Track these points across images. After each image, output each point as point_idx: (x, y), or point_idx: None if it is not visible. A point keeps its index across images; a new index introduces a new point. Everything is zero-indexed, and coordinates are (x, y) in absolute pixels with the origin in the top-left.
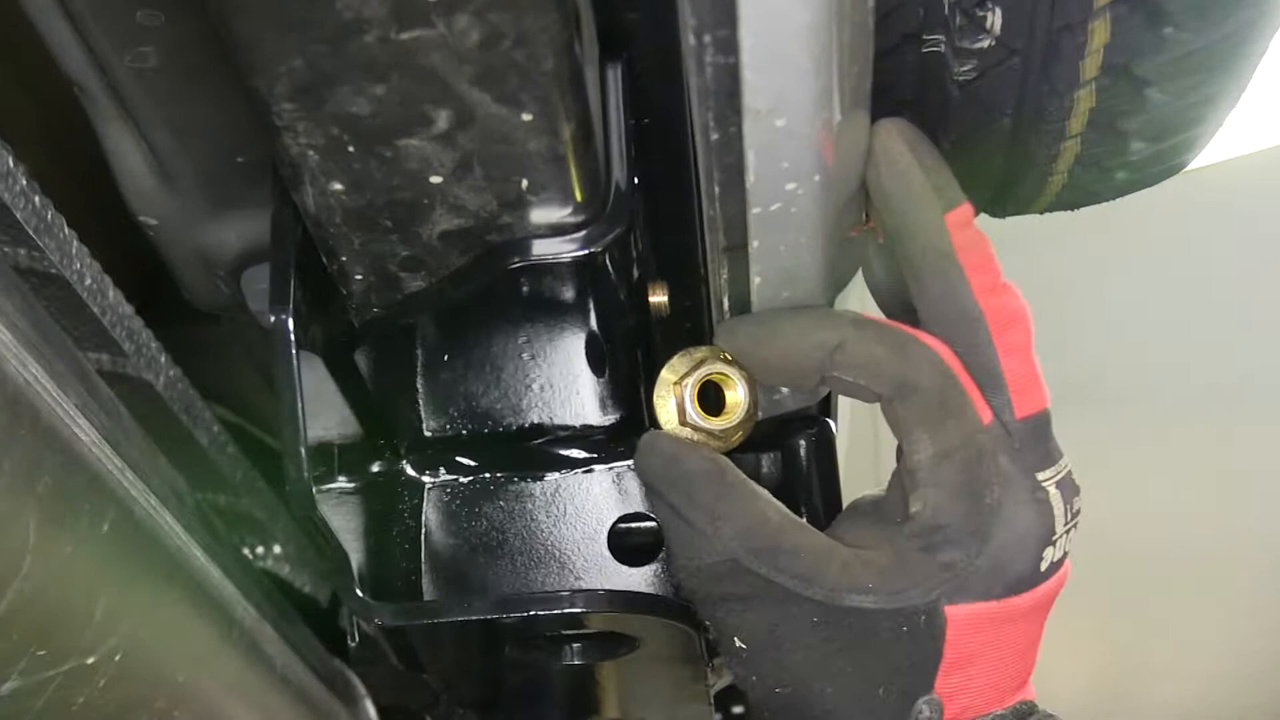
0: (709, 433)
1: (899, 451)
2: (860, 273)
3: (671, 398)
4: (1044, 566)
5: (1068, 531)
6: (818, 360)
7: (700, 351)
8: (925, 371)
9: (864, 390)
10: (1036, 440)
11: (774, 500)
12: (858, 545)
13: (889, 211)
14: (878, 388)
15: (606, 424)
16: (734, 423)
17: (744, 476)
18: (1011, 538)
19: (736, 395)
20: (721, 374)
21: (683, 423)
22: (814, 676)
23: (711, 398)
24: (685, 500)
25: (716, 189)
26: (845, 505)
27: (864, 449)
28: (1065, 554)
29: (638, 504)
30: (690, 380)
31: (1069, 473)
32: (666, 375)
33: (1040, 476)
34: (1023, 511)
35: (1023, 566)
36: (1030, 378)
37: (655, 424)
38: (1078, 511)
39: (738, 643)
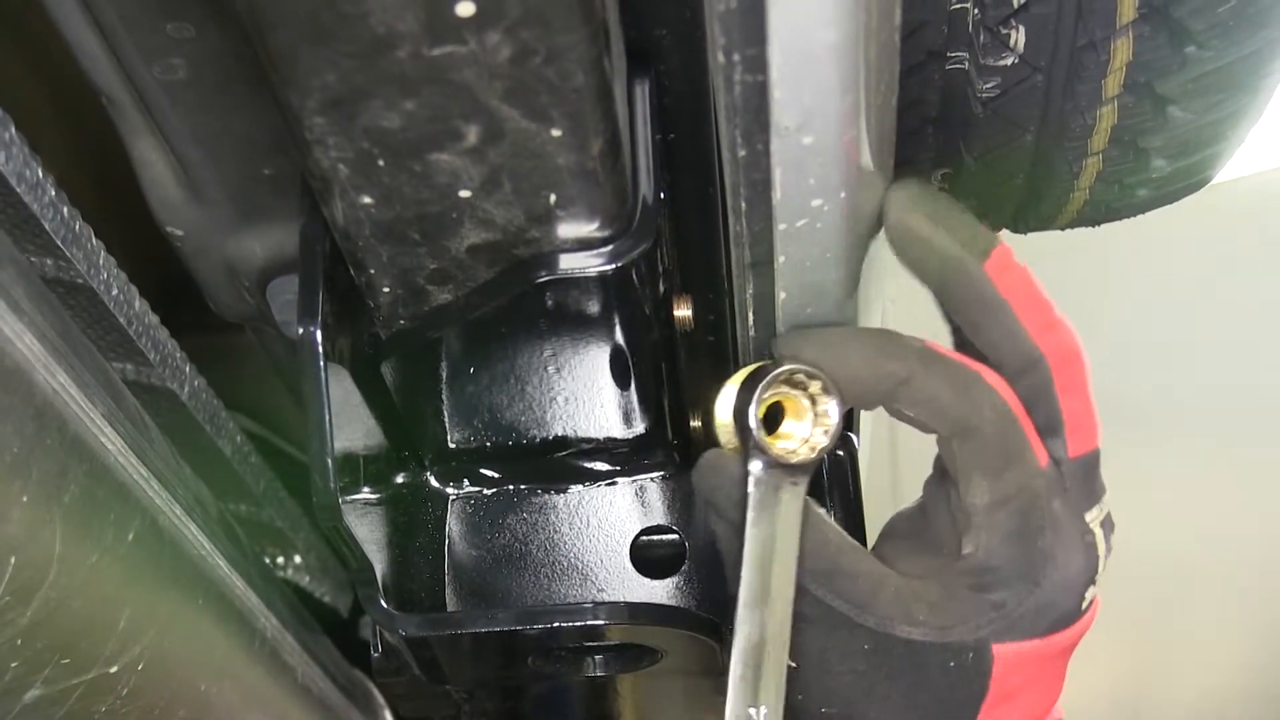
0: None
1: (935, 478)
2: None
3: (735, 417)
4: (1084, 605)
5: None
6: (882, 392)
7: (767, 367)
8: (988, 416)
9: (924, 426)
10: (1086, 478)
11: (831, 521)
12: (907, 573)
13: (926, 278)
14: (939, 427)
15: (630, 437)
16: (797, 446)
17: (807, 498)
18: (1060, 580)
19: (802, 417)
20: (790, 396)
21: (747, 444)
22: (861, 700)
23: (776, 417)
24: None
25: (743, 205)
26: (883, 523)
27: (882, 464)
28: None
29: (660, 517)
30: (755, 400)
31: (1109, 511)
32: (731, 392)
33: (1088, 517)
34: (1073, 555)
35: (1067, 606)
36: (1087, 416)
37: (715, 440)
38: (1111, 547)
39: (789, 662)
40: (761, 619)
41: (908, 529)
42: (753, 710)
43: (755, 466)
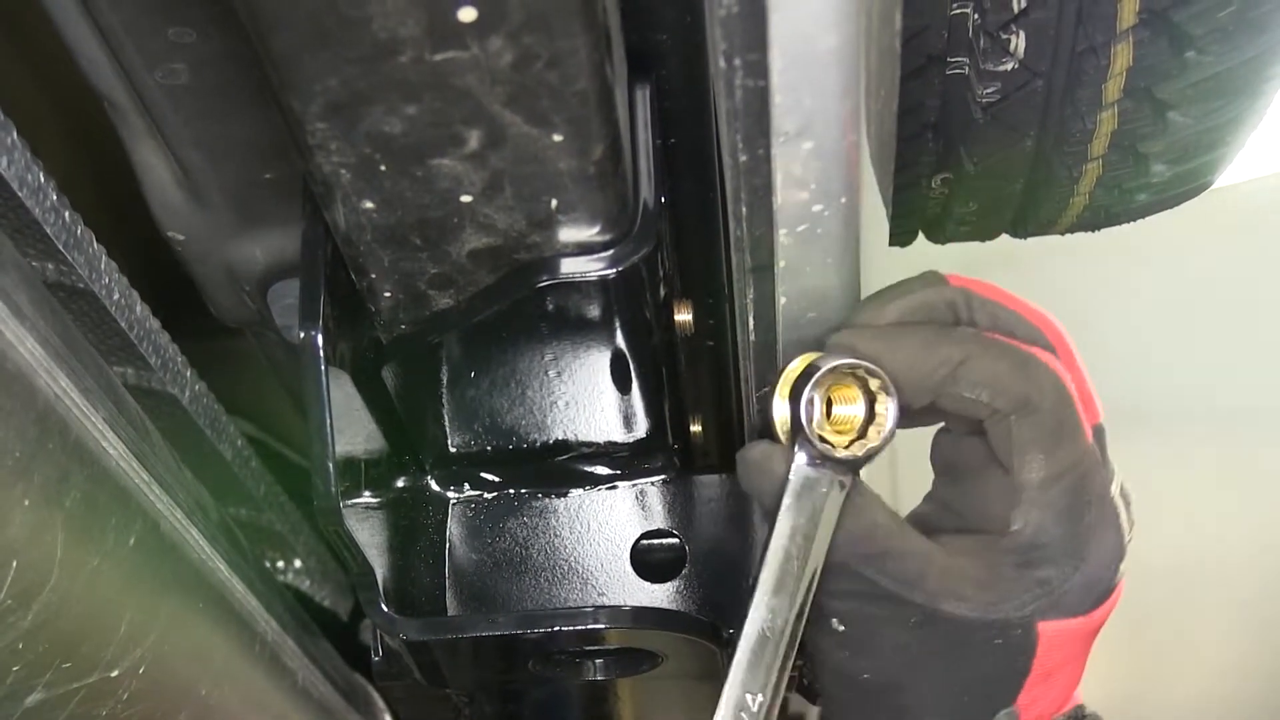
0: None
1: (963, 466)
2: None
3: (789, 410)
4: (1117, 579)
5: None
6: (940, 377)
7: (818, 360)
8: (1047, 392)
9: (981, 407)
10: (1103, 451)
11: (881, 501)
12: (951, 553)
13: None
14: (999, 404)
15: (630, 441)
16: (847, 442)
17: (858, 480)
18: (1100, 556)
19: (856, 411)
20: (848, 392)
21: (796, 432)
22: (903, 672)
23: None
24: None
25: (744, 210)
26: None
27: (882, 464)
28: None
29: (660, 521)
30: (811, 389)
31: (1123, 482)
32: (789, 380)
33: (1112, 490)
34: (1109, 531)
35: (1106, 582)
36: (1088, 388)
37: (768, 434)
38: (1133, 520)
39: (835, 623)
40: (776, 608)
41: (942, 512)
42: (749, 696)
43: (799, 456)
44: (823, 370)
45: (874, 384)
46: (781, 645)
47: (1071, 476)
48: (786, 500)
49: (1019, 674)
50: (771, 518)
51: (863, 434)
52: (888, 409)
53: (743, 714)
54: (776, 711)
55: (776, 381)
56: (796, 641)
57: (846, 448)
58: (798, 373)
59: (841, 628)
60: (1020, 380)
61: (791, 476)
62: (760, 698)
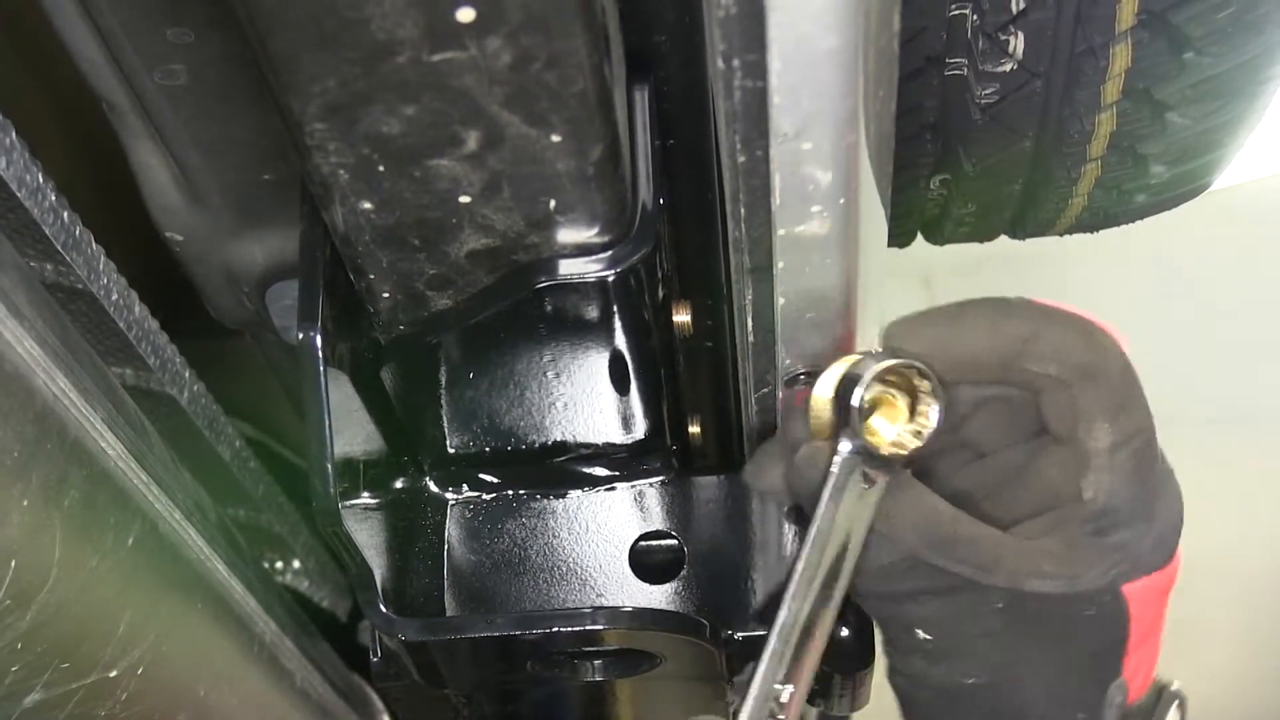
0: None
1: (1024, 442)
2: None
3: (836, 395)
4: (1181, 531)
5: None
6: (1009, 353)
7: (884, 355)
8: (1113, 360)
9: (1046, 380)
10: None
11: (930, 490)
12: (1018, 534)
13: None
14: (1067, 374)
15: (629, 442)
16: (891, 439)
17: (909, 474)
18: (1168, 512)
19: (900, 414)
20: (896, 390)
21: (842, 424)
22: (1005, 665)
23: (875, 408)
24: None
25: (743, 210)
26: None
27: None
28: None
29: (659, 522)
30: (864, 385)
31: None
32: (838, 371)
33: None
34: (1171, 485)
35: (1174, 537)
36: None
37: (794, 425)
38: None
39: (921, 635)
40: (811, 599)
41: (993, 497)
42: (779, 687)
43: (844, 447)
44: (881, 367)
45: (924, 386)
46: (814, 637)
47: (1137, 440)
48: (826, 495)
49: (1119, 642)
50: (811, 511)
51: (902, 434)
52: (929, 412)
53: (771, 704)
54: (802, 705)
55: (828, 369)
56: (826, 637)
57: (890, 447)
58: (853, 361)
59: (929, 636)
60: (1087, 349)
61: (834, 471)
62: (791, 689)
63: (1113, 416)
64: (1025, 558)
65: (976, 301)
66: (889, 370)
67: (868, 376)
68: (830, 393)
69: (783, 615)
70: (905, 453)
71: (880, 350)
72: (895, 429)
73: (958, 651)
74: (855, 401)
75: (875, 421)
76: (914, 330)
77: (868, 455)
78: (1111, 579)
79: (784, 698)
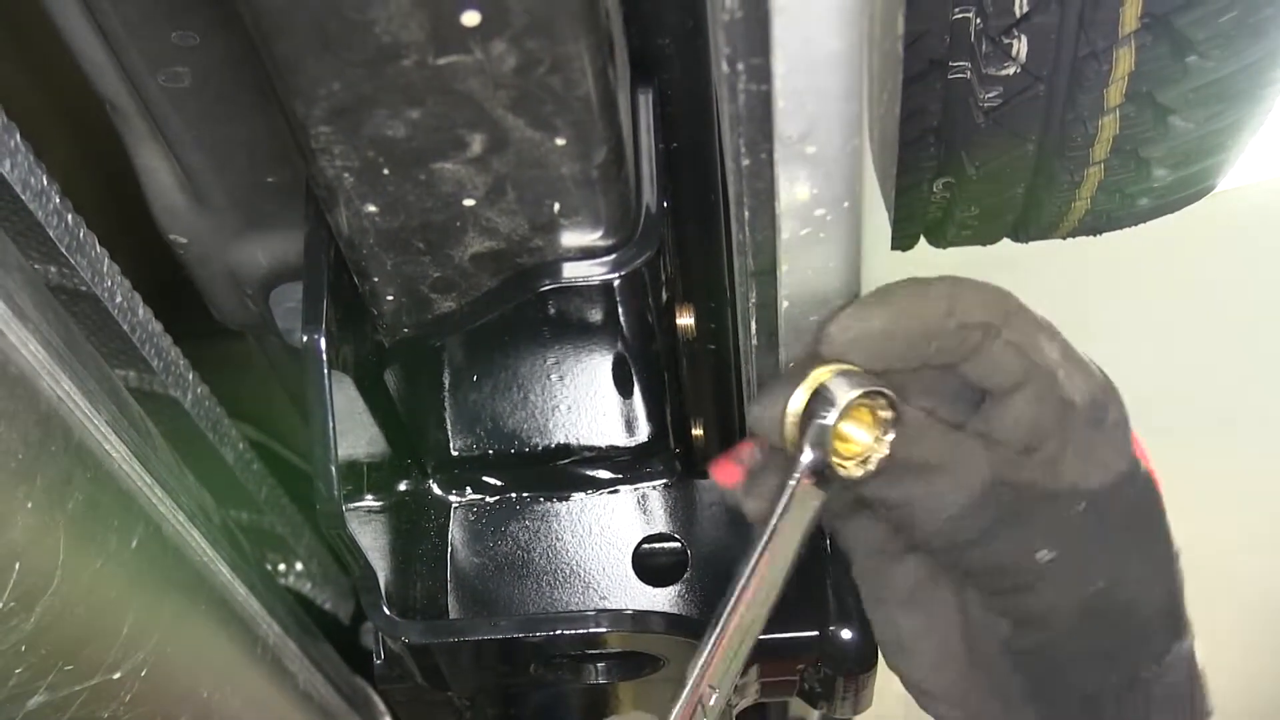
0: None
1: None
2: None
3: (804, 423)
4: None
5: None
6: (941, 321)
7: (865, 379)
8: (1012, 297)
9: (980, 331)
10: None
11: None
12: None
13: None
14: (995, 318)
15: (632, 445)
16: (852, 457)
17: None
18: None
19: (864, 435)
20: (859, 410)
21: (809, 435)
22: (1114, 562)
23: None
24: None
25: (746, 213)
26: None
27: None
28: None
29: (662, 525)
30: (842, 404)
31: None
32: (809, 388)
33: None
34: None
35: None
36: None
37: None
38: None
39: (1042, 555)
40: (756, 611)
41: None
42: (710, 689)
43: (807, 458)
44: (861, 392)
45: (884, 413)
46: (745, 643)
47: (1065, 341)
48: (782, 504)
49: (1161, 511)
50: (763, 523)
51: (865, 456)
52: (888, 435)
53: (700, 706)
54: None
55: (793, 388)
56: (755, 640)
57: (846, 467)
58: (828, 377)
59: (1048, 552)
60: (998, 294)
61: (792, 480)
62: (718, 694)
63: (1045, 331)
64: (1076, 462)
65: (897, 284)
66: (870, 394)
67: (843, 402)
68: (803, 401)
69: (729, 621)
70: (860, 474)
71: (838, 363)
72: (860, 450)
73: (1075, 561)
74: (830, 420)
75: (840, 439)
76: (853, 326)
77: (826, 471)
78: (1131, 455)
79: (712, 701)
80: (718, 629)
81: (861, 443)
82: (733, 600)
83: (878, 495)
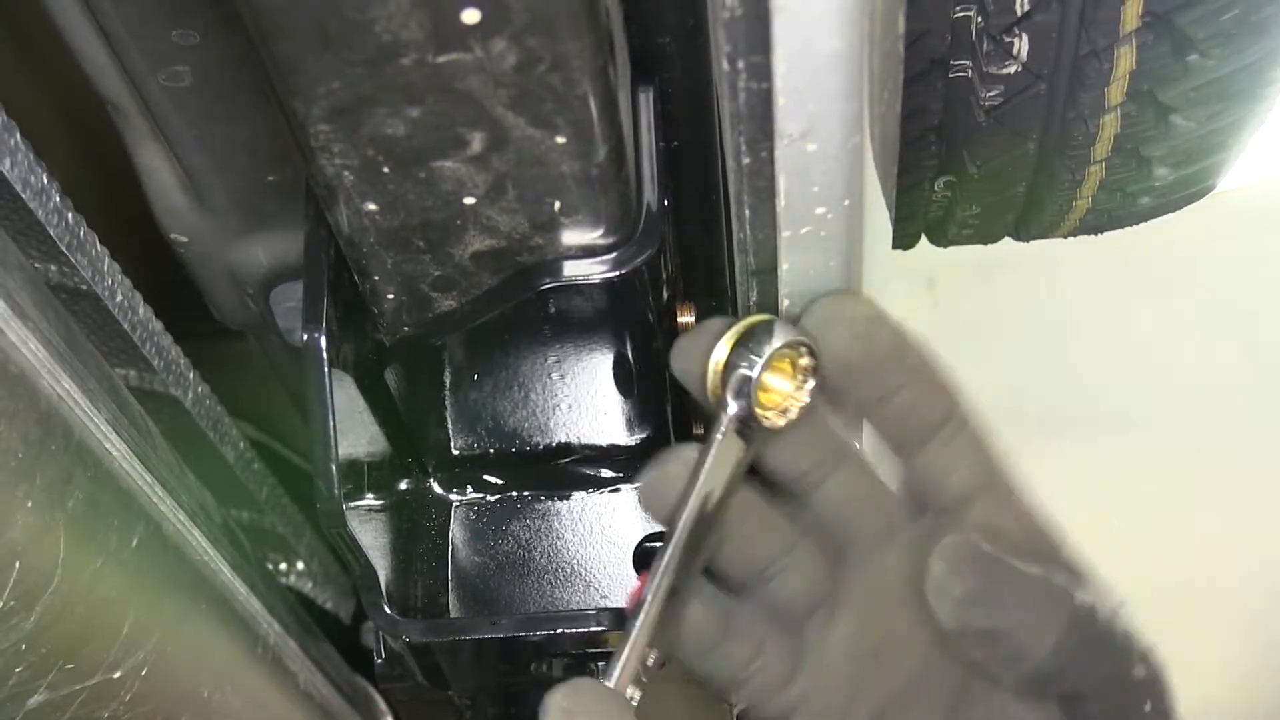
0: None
1: None
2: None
3: (729, 356)
4: None
5: None
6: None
7: (787, 329)
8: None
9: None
10: None
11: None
12: None
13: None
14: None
15: (633, 443)
16: (774, 408)
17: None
18: None
19: (787, 384)
20: (781, 361)
21: (731, 387)
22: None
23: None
24: None
25: (747, 212)
26: None
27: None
28: None
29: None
30: (766, 355)
31: None
32: (734, 335)
33: None
34: None
35: None
36: None
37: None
38: None
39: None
40: (685, 567)
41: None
42: (647, 649)
43: (732, 410)
44: (787, 340)
45: (804, 361)
46: (679, 604)
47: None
48: (710, 458)
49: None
50: (691, 479)
51: (783, 407)
52: (808, 385)
53: (639, 667)
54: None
55: (714, 339)
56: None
57: (769, 417)
58: (750, 325)
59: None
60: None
61: (719, 434)
62: (655, 653)
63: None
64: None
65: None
66: (792, 345)
67: (767, 352)
68: (727, 350)
69: (663, 582)
70: (783, 423)
71: (776, 318)
72: (782, 399)
73: None
74: (754, 373)
75: (764, 390)
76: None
77: (753, 420)
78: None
79: (649, 661)
80: (653, 588)
81: (782, 391)
82: (665, 559)
83: None
